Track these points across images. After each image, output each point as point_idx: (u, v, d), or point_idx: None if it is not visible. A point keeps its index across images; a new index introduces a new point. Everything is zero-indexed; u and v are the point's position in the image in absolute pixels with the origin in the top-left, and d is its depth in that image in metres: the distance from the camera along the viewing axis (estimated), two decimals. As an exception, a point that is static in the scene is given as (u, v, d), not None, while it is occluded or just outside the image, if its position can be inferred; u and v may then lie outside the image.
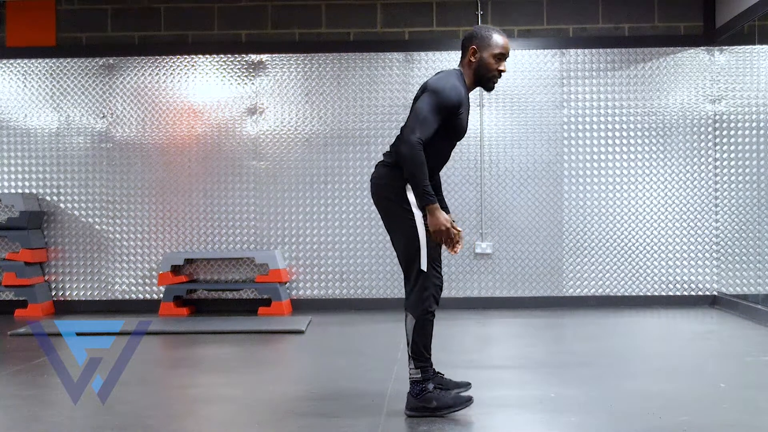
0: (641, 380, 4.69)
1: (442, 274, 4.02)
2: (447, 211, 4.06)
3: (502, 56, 3.95)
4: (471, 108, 8.02)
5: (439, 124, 3.82)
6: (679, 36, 8.09)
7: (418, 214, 3.82)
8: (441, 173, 4.20)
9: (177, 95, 8.26)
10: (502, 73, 3.98)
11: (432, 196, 3.75)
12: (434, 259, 3.89)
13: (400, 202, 3.85)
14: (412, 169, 3.73)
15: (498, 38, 3.94)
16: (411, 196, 3.83)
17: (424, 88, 3.89)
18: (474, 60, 3.94)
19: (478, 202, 8.07)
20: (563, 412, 3.94)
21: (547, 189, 8.09)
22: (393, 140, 4.04)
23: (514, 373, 5.01)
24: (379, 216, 8.09)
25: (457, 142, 4.06)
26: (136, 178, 8.27)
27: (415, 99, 3.93)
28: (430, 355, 3.91)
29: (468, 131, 8.37)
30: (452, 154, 4.13)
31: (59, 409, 4.16)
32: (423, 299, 3.84)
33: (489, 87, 4.00)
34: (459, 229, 3.83)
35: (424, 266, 3.82)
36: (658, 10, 8.13)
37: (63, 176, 8.29)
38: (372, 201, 4.04)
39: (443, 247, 3.96)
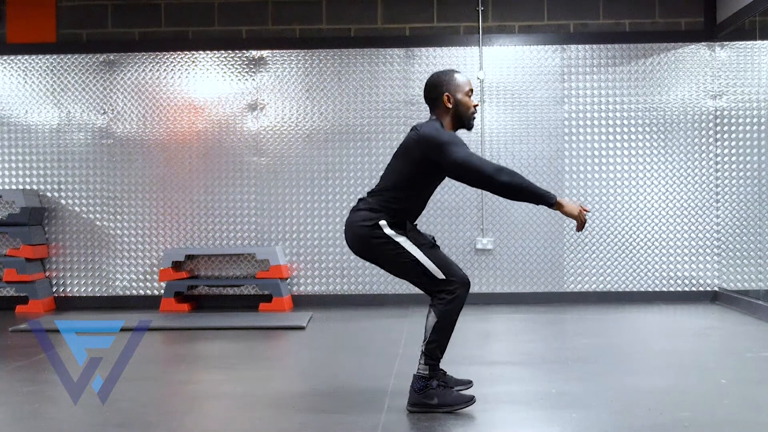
0: (642, 376, 4.70)
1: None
2: (426, 236, 4.03)
3: (471, 92, 4.08)
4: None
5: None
6: (680, 31, 8.08)
7: (402, 240, 3.89)
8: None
9: (177, 91, 8.25)
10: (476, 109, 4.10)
11: (546, 191, 3.79)
12: (448, 263, 3.92)
13: (385, 238, 3.90)
14: (515, 182, 3.78)
15: (462, 77, 4.07)
16: (388, 231, 3.89)
17: (427, 141, 3.88)
18: (451, 105, 4.03)
19: (478, 197, 8.07)
20: (564, 408, 3.94)
21: (548, 185, 8.07)
22: (381, 176, 4.08)
23: (515, 369, 5.01)
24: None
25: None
26: (136, 174, 8.27)
27: (406, 147, 3.96)
28: (442, 356, 3.92)
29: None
30: None
31: (60, 405, 4.16)
32: (450, 301, 3.85)
33: (471, 125, 4.10)
34: (588, 209, 3.93)
35: (440, 275, 3.86)
36: (658, 6, 8.11)
37: (64, 172, 8.29)
38: (352, 248, 4.03)
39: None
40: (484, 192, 8.03)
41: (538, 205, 3.85)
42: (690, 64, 8.03)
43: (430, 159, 3.89)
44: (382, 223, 3.90)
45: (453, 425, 3.68)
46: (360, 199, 4.05)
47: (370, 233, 3.92)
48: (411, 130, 4.02)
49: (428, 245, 3.94)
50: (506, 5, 8.18)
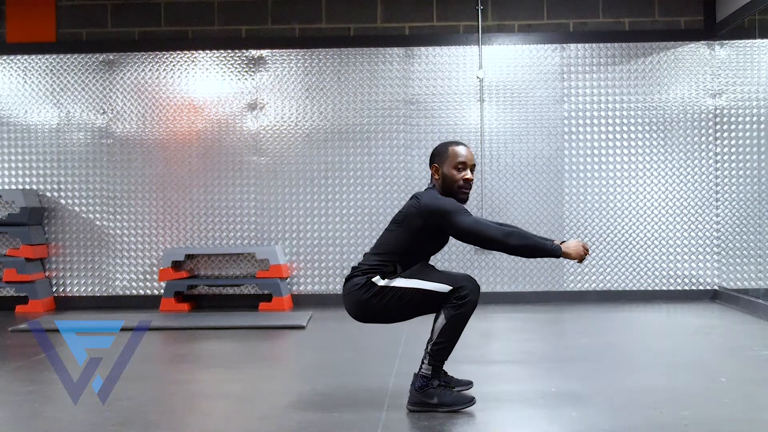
0: (642, 375, 4.70)
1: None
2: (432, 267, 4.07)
3: (464, 165, 3.99)
4: (470, 103, 8.08)
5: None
6: (680, 30, 8.08)
7: (396, 282, 3.90)
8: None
9: (177, 91, 8.25)
10: (470, 182, 4.02)
11: (552, 245, 3.84)
12: (447, 274, 3.95)
13: (381, 290, 3.90)
14: (526, 245, 3.83)
15: (455, 149, 4.01)
16: (382, 282, 3.90)
17: (429, 211, 3.89)
18: (438, 177, 4.02)
19: (478, 197, 8.07)
20: (564, 407, 3.94)
21: (547, 184, 8.08)
22: (376, 240, 4.10)
23: (514, 368, 5.01)
24: (380, 212, 8.08)
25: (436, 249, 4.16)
26: (136, 173, 8.27)
27: (405, 215, 3.96)
28: (447, 359, 3.92)
29: (468, 126, 8.39)
30: None
31: (60, 405, 4.16)
32: (460, 305, 3.86)
33: (461, 199, 4.02)
34: (588, 247, 4.01)
35: (447, 288, 3.86)
36: (658, 5, 8.11)
37: (63, 172, 8.29)
38: (354, 315, 4.04)
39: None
40: (483, 191, 8.04)
41: (545, 258, 3.91)
42: (689, 62, 8.03)
43: (430, 227, 3.91)
44: (375, 279, 3.92)
45: (453, 424, 3.68)
46: (353, 267, 4.05)
47: (365, 292, 3.92)
48: (411, 198, 4.04)
49: (421, 269, 3.95)
50: (506, 4, 8.18)
